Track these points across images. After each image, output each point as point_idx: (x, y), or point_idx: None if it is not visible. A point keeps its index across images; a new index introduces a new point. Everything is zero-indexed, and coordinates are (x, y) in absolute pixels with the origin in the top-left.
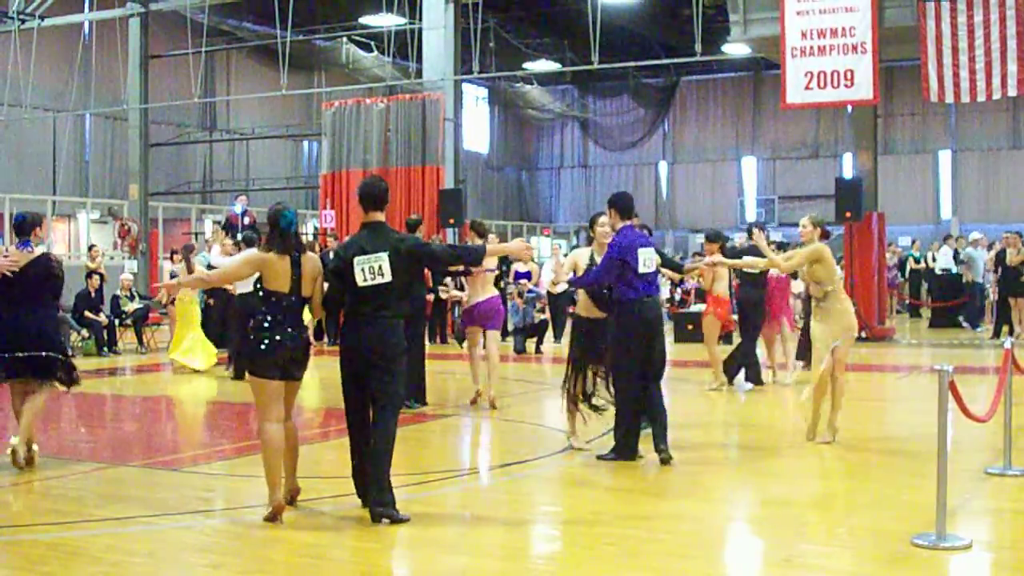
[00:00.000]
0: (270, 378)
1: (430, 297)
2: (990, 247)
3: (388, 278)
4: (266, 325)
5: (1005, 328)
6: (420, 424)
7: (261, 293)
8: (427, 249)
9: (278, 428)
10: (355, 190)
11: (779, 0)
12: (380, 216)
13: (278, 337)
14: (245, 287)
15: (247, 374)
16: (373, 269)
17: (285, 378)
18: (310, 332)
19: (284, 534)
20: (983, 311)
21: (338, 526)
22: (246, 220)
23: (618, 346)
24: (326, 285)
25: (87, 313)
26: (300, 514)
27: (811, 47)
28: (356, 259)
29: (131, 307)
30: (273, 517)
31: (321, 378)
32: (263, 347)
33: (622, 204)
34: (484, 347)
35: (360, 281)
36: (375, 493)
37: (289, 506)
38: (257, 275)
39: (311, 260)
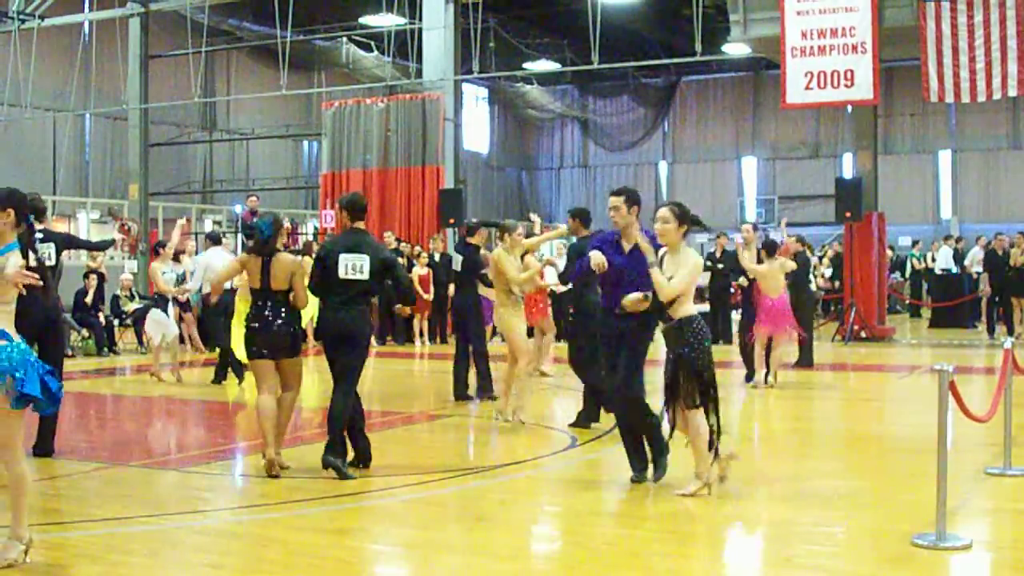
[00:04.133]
0: (256, 357)
1: (428, 298)
2: (987, 246)
3: (365, 276)
4: (251, 315)
5: (1003, 327)
6: (420, 424)
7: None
8: (395, 266)
9: (269, 398)
10: (343, 202)
11: (779, 0)
12: (362, 224)
13: (256, 324)
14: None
15: None
16: (355, 267)
17: (273, 357)
18: (309, 332)
19: (284, 534)
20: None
21: (338, 526)
22: (255, 219)
23: None
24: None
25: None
26: (300, 514)
27: (811, 47)
28: (342, 255)
29: (131, 307)
30: (268, 469)
31: (322, 378)
32: (247, 333)
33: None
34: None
35: (342, 274)
36: (327, 449)
37: (273, 473)
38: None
39: (280, 260)
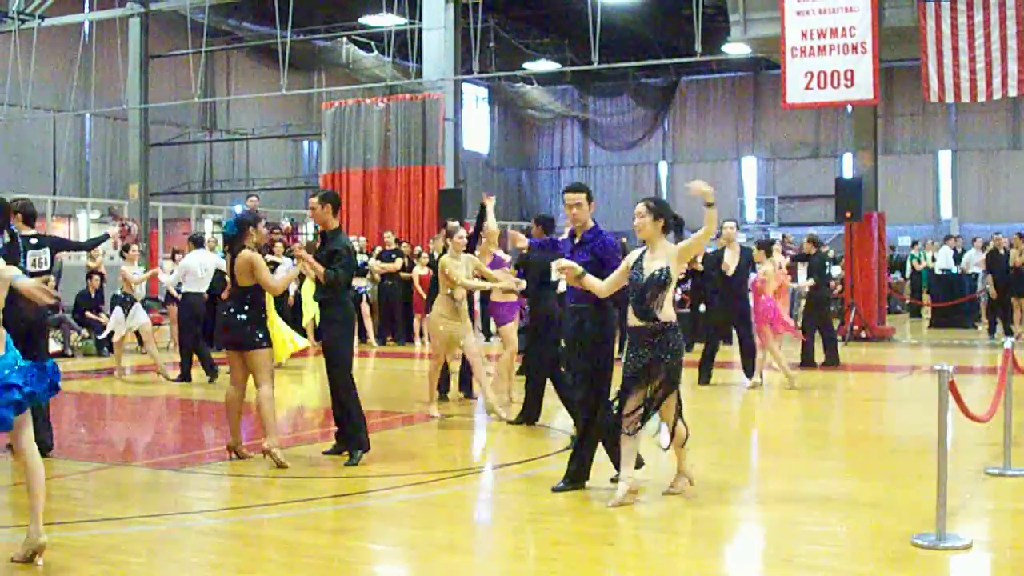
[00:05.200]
0: (222, 347)
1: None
2: (985, 247)
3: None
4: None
5: (1001, 327)
6: (420, 424)
7: None
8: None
9: (232, 389)
10: (324, 195)
11: (779, 0)
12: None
13: (222, 318)
14: (192, 287)
15: None
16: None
17: (234, 350)
18: (310, 333)
19: (284, 534)
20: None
21: (338, 526)
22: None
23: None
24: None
25: (87, 313)
26: (300, 514)
27: (811, 47)
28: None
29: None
30: (229, 453)
31: (325, 378)
32: None
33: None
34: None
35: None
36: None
37: (236, 456)
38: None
39: (239, 257)
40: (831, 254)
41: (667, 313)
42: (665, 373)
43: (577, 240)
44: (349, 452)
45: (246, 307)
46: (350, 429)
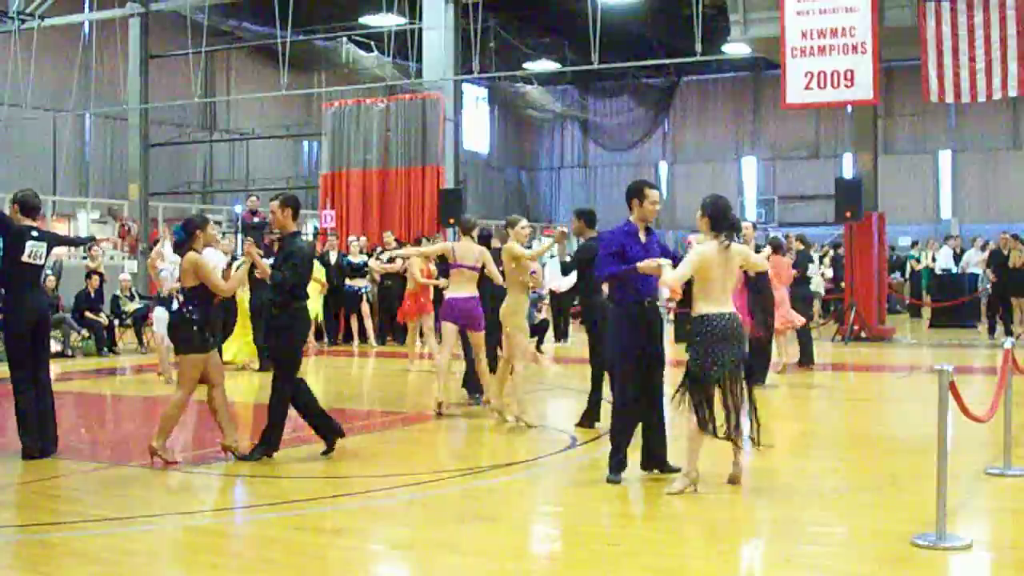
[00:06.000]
0: None
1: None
2: (984, 247)
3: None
4: None
5: (1001, 327)
6: (420, 424)
7: None
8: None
9: (208, 389)
10: (284, 199)
11: (779, 0)
12: None
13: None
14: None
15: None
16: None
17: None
18: (311, 334)
19: (284, 534)
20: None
21: (338, 526)
22: (256, 219)
23: None
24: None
25: (87, 313)
26: (300, 514)
27: (811, 47)
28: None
29: (131, 307)
30: (224, 450)
31: (326, 378)
32: None
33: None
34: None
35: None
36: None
37: (233, 456)
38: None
39: (185, 260)
40: (830, 252)
41: (696, 307)
42: (687, 366)
43: (646, 239)
44: (256, 447)
45: (188, 308)
46: (266, 428)
